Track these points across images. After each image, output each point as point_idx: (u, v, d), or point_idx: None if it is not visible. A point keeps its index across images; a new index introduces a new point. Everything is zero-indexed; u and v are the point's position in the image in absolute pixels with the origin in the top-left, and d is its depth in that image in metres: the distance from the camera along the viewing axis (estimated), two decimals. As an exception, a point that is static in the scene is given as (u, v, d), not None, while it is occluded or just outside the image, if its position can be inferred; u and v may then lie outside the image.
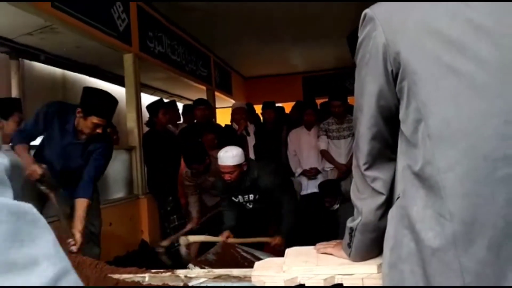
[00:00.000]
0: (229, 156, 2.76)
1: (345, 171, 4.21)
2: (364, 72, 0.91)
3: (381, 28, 0.85)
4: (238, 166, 2.79)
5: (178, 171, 3.86)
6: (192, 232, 3.31)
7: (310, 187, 4.61)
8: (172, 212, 3.90)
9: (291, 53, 7.17)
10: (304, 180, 4.68)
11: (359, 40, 0.94)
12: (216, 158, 2.88)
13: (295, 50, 6.94)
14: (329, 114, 4.55)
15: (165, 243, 3.31)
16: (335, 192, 3.85)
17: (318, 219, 3.87)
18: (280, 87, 8.42)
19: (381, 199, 0.94)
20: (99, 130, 2.35)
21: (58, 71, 5.12)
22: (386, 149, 0.95)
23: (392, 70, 0.85)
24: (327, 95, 4.94)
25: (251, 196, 2.97)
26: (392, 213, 0.88)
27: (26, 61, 4.57)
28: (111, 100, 2.39)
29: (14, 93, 4.33)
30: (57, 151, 2.45)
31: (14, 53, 4.32)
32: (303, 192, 4.59)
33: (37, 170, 2.18)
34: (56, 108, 2.43)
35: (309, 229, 3.53)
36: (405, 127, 0.86)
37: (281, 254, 1.30)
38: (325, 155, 4.45)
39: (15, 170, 2.09)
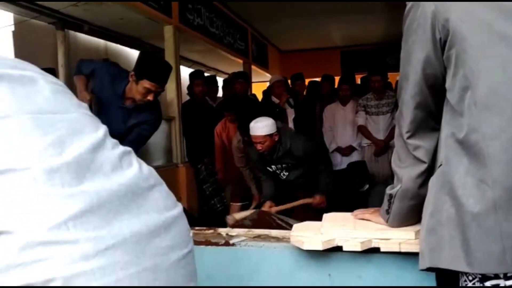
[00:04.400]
0: (258, 126, 2.79)
1: (383, 147, 4.17)
2: (412, 40, 0.91)
3: None
4: (269, 136, 2.80)
5: (214, 143, 3.96)
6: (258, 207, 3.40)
7: (344, 163, 4.59)
8: (204, 181, 4.03)
9: (329, 27, 7.02)
10: (337, 156, 4.66)
11: (407, 8, 0.93)
12: None
13: (334, 24, 6.78)
14: (368, 90, 4.48)
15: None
16: (363, 174, 3.82)
17: (348, 198, 3.88)
18: (317, 61, 8.28)
19: (422, 167, 0.96)
20: (150, 97, 2.25)
21: (101, 42, 5.27)
22: (429, 118, 0.95)
23: (440, 38, 0.85)
24: (366, 70, 4.84)
25: (284, 165, 3.00)
26: (433, 180, 0.90)
27: (71, 32, 4.73)
28: (165, 65, 2.34)
29: (60, 62, 4.51)
30: (101, 110, 2.38)
31: (60, 24, 4.47)
32: (337, 168, 4.59)
33: (86, 96, 2.24)
34: (107, 68, 2.45)
35: (340, 207, 3.55)
36: (451, 96, 0.86)
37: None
38: (362, 130, 4.41)
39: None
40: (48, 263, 0.49)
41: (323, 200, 2.92)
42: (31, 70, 0.67)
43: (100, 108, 2.38)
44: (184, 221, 0.67)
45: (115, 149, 0.66)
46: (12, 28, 4.07)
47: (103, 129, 0.68)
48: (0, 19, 3.99)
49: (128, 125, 2.41)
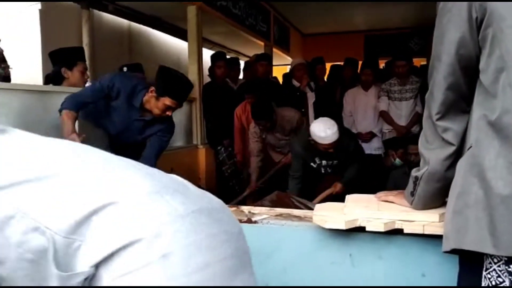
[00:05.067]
0: (329, 133, 2.69)
1: (404, 134, 4.11)
2: (446, 19, 0.89)
3: None
4: (339, 139, 2.75)
5: (233, 125, 3.99)
6: (251, 195, 3.45)
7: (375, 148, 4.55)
8: (223, 162, 4.07)
9: (353, 11, 6.88)
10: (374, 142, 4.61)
11: (443, -14, 0.91)
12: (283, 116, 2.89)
13: (357, 7, 6.65)
14: (391, 75, 4.40)
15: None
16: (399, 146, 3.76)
17: (369, 181, 3.86)
18: (340, 45, 8.14)
19: (451, 149, 0.95)
20: (169, 113, 2.27)
21: (124, 22, 5.30)
22: (461, 100, 0.94)
23: (476, 17, 0.83)
24: (390, 55, 4.75)
25: (331, 162, 2.99)
26: (461, 162, 0.89)
27: (96, 11, 4.77)
28: (187, 84, 2.33)
29: (85, 41, 4.57)
30: (117, 123, 2.37)
31: (86, 3, 4.52)
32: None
33: (76, 139, 2.00)
34: (123, 81, 2.32)
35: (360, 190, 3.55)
36: (485, 77, 0.84)
37: None
38: (384, 116, 4.35)
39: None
40: (152, 220, 0.58)
41: (342, 190, 2.91)
42: None
43: (114, 120, 2.36)
44: (228, 209, 0.77)
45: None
46: (39, 6, 4.13)
47: None
48: (28, -3, 4.05)
49: (144, 135, 2.42)
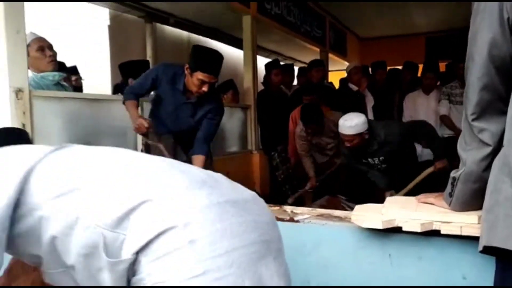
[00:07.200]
0: (347, 125, 2.73)
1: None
2: (479, 20, 0.90)
3: None
4: (358, 135, 2.75)
5: (287, 130, 4.05)
6: (311, 191, 3.49)
7: (424, 155, 4.39)
8: (277, 168, 4.13)
9: (412, 12, 6.67)
10: (418, 147, 4.47)
11: (477, -12, 0.92)
12: (331, 120, 2.93)
13: (417, 9, 6.43)
14: (453, 77, 4.23)
15: (290, 200, 3.55)
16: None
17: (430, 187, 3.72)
18: (399, 49, 7.90)
19: (487, 150, 0.94)
20: (204, 88, 2.33)
21: (184, 33, 5.58)
22: (497, 101, 0.93)
23: (508, 18, 0.84)
24: (452, 57, 4.56)
25: (381, 158, 2.95)
26: (496, 161, 0.89)
27: (158, 25, 5.08)
28: (216, 56, 2.38)
29: (149, 53, 4.89)
30: (169, 111, 2.48)
31: (149, 17, 4.83)
32: (418, 160, 4.41)
33: (144, 123, 2.25)
34: (164, 70, 2.46)
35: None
36: (519, 76, 0.84)
37: None
38: (445, 120, 4.19)
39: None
40: (182, 211, 0.69)
41: (445, 162, 2.76)
42: None
43: (166, 110, 2.50)
44: (261, 200, 0.85)
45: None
46: (108, 22, 4.50)
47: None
48: (99, 15, 4.43)
49: (196, 118, 2.53)
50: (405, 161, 2.97)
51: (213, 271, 0.65)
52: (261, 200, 0.84)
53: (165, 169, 0.79)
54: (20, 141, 1.03)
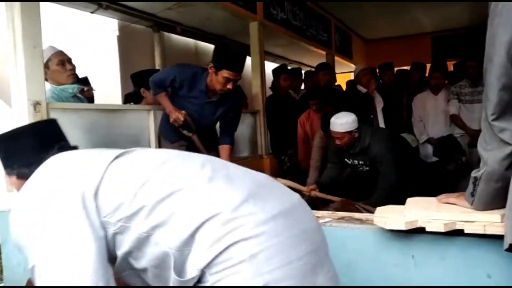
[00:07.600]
0: (337, 123, 2.87)
1: (478, 138, 3.91)
2: (496, 22, 0.91)
3: None
4: (348, 133, 2.87)
5: (296, 134, 4.05)
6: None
7: (431, 156, 4.38)
8: (287, 172, 4.14)
9: (417, 12, 6.66)
10: (429, 148, 4.46)
11: (493, -11, 0.93)
12: None
13: (422, 8, 6.43)
14: (461, 77, 4.22)
15: None
16: (452, 149, 3.60)
17: (438, 187, 3.70)
18: (405, 49, 7.89)
19: (508, 149, 0.96)
20: (229, 86, 2.39)
21: (191, 41, 5.63)
22: None
23: (526, 19, 0.85)
24: (459, 56, 4.56)
25: (361, 162, 3.02)
26: (519, 160, 0.90)
27: (166, 34, 5.13)
28: (240, 54, 2.49)
29: (157, 62, 4.93)
30: (191, 111, 2.54)
31: (156, 27, 4.88)
32: (427, 160, 4.39)
33: (180, 116, 2.41)
34: (181, 71, 2.52)
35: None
36: (538, 76, 0.85)
37: None
38: (455, 120, 4.18)
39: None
40: (242, 227, 0.74)
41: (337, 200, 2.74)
42: None
43: (188, 110, 2.54)
44: (305, 204, 0.89)
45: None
46: (117, 33, 4.55)
47: None
48: (107, 25, 4.49)
49: (216, 115, 2.65)
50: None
51: (272, 283, 0.71)
52: (305, 203, 0.88)
53: (226, 181, 0.82)
54: (52, 133, 1.07)
